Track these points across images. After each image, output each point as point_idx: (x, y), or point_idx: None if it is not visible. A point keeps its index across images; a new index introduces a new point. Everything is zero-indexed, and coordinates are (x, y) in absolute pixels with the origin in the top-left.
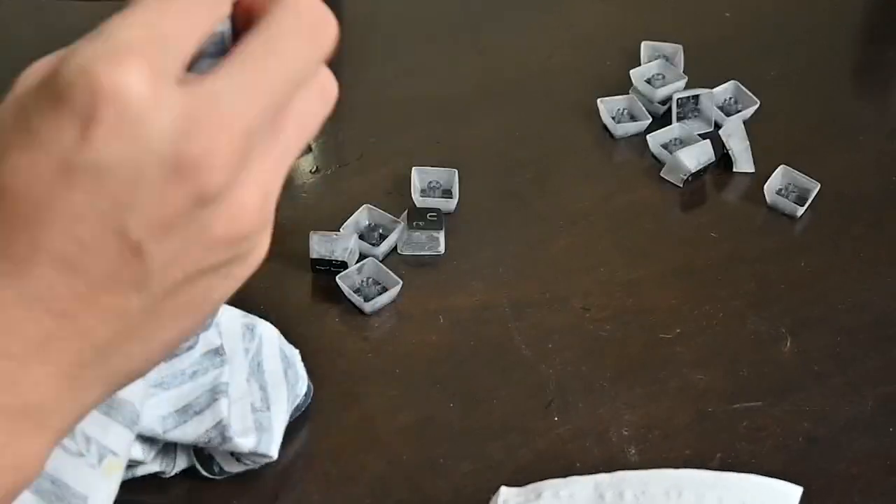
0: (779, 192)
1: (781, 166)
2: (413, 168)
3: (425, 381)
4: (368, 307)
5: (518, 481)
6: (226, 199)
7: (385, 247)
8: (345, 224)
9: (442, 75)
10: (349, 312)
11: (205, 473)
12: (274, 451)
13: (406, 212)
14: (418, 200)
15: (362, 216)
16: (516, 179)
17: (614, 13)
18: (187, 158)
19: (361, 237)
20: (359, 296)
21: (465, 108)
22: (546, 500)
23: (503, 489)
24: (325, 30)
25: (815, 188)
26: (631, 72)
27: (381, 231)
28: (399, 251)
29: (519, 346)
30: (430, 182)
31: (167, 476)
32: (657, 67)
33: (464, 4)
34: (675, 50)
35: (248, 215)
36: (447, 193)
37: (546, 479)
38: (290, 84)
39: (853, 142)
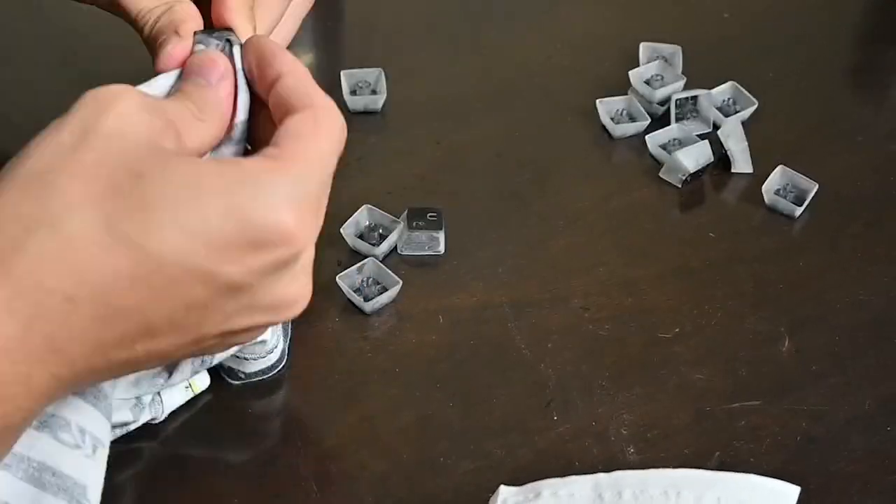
0: (777, 193)
1: (780, 167)
2: (341, 72)
3: (425, 380)
4: (368, 307)
5: (518, 480)
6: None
7: (385, 247)
8: (345, 224)
9: (442, 75)
10: (349, 312)
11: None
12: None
13: (406, 212)
14: (349, 100)
15: (362, 216)
16: (516, 180)
17: (613, 14)
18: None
19: (361, 237)
20: (359, 296)
21: (465, 108)
22: (545, 500)
23: (502, 488)
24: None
25: (814, 188)
26: (630, 72)
27: (381, 231)
28: (399, 251)
29: (518, 345)
30: (359, 82)
31: (158, 422)
32: (656, 68)
33: (464, 4)
34: (674, 51)
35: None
36: (374, 92)
37: (546, 478)
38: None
39: (851, 142)
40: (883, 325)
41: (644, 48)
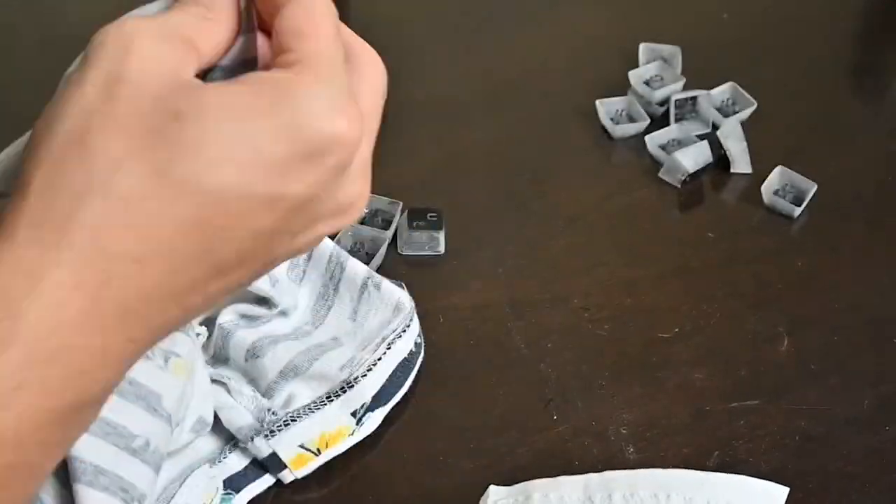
0: (776, 193)
1: (779, 167)
2: None
3: (425, 379)
4: None
5: (517, 479)
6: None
7: (373, 266)
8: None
9: (442, 76)
10: None
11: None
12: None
13: (406, 212)
14: None
15: (345, 236)
16: (516, 180)
17: (613, 15)
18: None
19: (363, 222)
20: None
21: (465, 108)
22: (536, 502)
23: (492, 488)
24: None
25: (812, 189)
26: (629, 73)
27: (366, 251)
28: (399, 251)
29: (518, 345)
30: None
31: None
32: (655, 69)
33: (464, 6)
34: (674, 52)
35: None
36: None
37: (546, 477)
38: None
39: (850, 143)
40: (881, 325)
41: (644, 49)
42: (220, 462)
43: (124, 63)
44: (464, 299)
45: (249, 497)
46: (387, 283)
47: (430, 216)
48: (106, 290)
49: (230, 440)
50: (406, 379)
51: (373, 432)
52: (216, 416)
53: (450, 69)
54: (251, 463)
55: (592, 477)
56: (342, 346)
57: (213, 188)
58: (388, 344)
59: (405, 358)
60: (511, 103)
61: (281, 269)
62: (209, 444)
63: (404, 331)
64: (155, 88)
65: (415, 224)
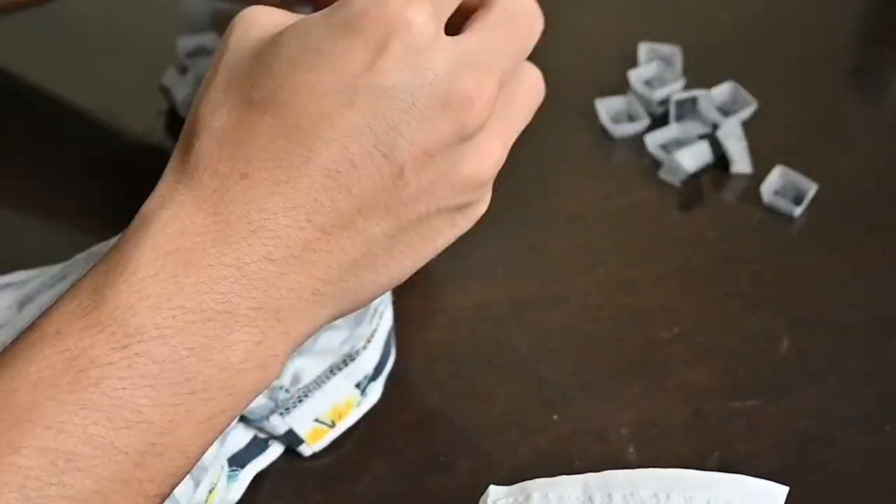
0: (776, 193)
1: (779, 167)
2: None
3: (425, 379)
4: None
5: (517, 479)
6: (477, 142)
7: None
8: None
9: None
10: None
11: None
12: None
13: None
14: None
15: None
16: (515, 180)
17: (612, 14)
18: (457, 93)
19: None
20: None
21: None
22: (535, 502)
23: (492, 488)
24: (537, 20)
25: (813, 188)
26: (629, 73)
27: None
28: None
29: (518, 344)
30: None
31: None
32: (655, 69)
33: None
34: (674, 51)
35: (491, 162)
36: None
37: (546, 476)
38: (520, 55)
39: (851, 143)
40: (882, 324)
41: (643, 48)
42: (225, 442)
43: (230, 35)
44: (464, 299)
45: (255, 472)
46: None
47: None
48: (222, 205)
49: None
50: (391, 347)
51: (372, 431)
52: None
53: None
54: (253, 439)
55: (592, 476)
56: (337, 327)
57: (286, 97)
58: (380, 314)
59: (391, 326)
60: None
61: None
62: None
63: (388, 299)
64: (249, 45)
65: None
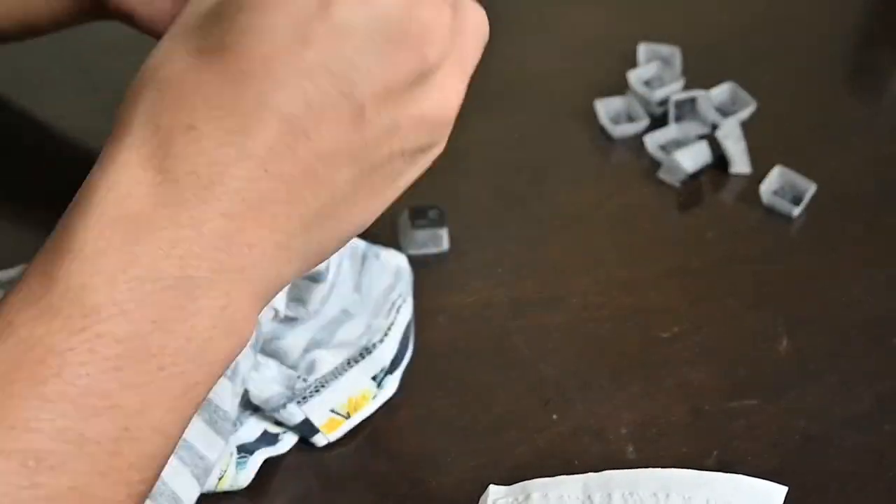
0: (775, 193)
1: (778, 167)
2: None
3: (425, 378)
4: None
5: (517, 479)
6: (438, 80)
7: None
8: None
9: None
10: None
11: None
12: None
13: (407, 211)
14: None
15: None
16: (515, 180)
17: (612, 15)
18: (415, 21)
19: None
20: None
21: (465, 109)
22: (535, 502)
23: (492, 488)
24: None
25: (812, 189)
26: (628, 73)
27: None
28: (403, 251)
29: (518, 344)
30: None
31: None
32: (655, 69)
33: None
34: (673, 52)
35: (451, 101)
36: None
37: (545, 476)
38: None
39: (849, 143)
40: (880, 324)
41: (643, 49)
42: (237, 429)
43: None
44: (464, 299)
45: (263, 459)
46: (385, 251)
47: (432, 214)
48: (168, 160)
49: (246, 408)
50: (409, 341)
51: (372, 431)
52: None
53: None
54: (263, 434)
55: (592, 476)
56: (354, 317)
57: (234, 41)
58: (397, 308)
59: (409, 320)
60: (510, 103)
61: None
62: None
63: (409, 294)
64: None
65: (417, 223)
